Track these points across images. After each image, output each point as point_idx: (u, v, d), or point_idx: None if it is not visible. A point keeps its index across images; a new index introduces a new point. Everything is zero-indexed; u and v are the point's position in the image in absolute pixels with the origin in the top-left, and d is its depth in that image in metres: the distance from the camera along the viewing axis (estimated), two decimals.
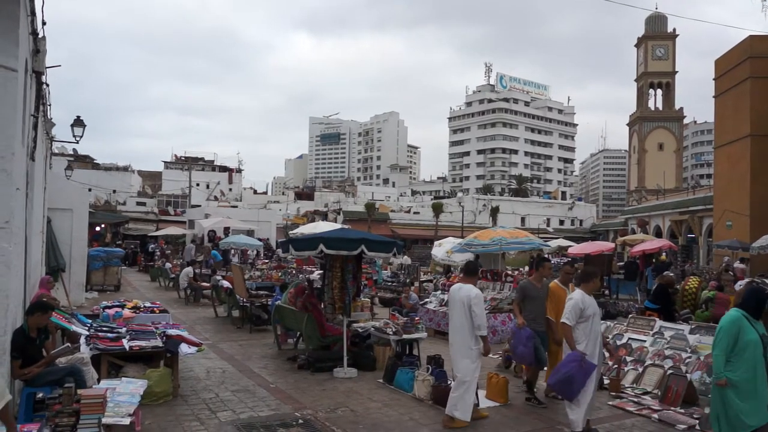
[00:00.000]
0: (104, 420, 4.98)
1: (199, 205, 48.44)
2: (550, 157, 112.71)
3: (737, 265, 18.47)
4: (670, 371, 8.08)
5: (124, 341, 7.42)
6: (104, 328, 7.89)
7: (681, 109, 75.91)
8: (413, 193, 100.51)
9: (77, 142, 15.42)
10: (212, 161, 76.56)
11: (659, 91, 76.12)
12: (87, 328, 8.06)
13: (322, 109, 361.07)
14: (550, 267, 8.64)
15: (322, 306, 9.84)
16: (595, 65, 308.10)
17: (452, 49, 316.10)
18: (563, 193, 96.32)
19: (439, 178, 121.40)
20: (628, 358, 9.22)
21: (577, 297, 6.44)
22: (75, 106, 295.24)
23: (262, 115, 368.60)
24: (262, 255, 28.19)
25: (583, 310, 6.31)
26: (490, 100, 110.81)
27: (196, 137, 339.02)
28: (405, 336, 9.51)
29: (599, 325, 6.69)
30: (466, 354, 6.59)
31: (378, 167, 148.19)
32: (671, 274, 14.62)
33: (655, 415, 7.06)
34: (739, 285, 13.52)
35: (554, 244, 28.58)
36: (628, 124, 79.46)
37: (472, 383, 6.57)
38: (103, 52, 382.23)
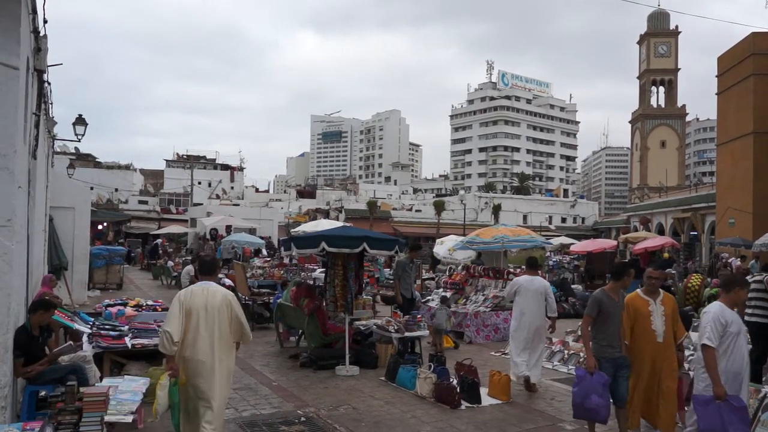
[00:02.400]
0: (107, 418, 4.98)
1: (201, 204, 48.54)
2: (552, 155, 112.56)
3: (737, 262, 18.33)
4: None
5: (127, 339, 7.44)
6: (107, 326, 7.90)
7: (683, 106, 75.77)
8: (415, 191, 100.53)
9: (79, 141, 15.42)
10: (214, 159, 76.63)
11: (662, 89, 75.97)
12: (89, 326, 8.07)
13: (326, 107, 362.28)
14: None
15: (324, 304, 9.84)
16: (599, 62, 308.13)
17: (458, 47, 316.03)
18: (565, 190, 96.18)
19: (441, 176, 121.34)
20: None
21: (715, 309, 5.09)
22: (81, 105, 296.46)
23: (267, 113, 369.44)
24: (263, 252, 28.18)
25: (726, 326, 4.97)
26: (492, 98, 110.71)
27: (200, 136, 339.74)
28: (407, 334, 9.51)
29: (745, 348, 5.18)
30: (540, 332, 8.21)
31: (380, 165, 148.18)
32: (672, 271, 14.60)
33: None
34: None
35: (556, 241, 28.63)
36: (630, 122, 79.34)
37: (542, 354, 8.44)
38: (110, 52, 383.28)
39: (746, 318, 8.26)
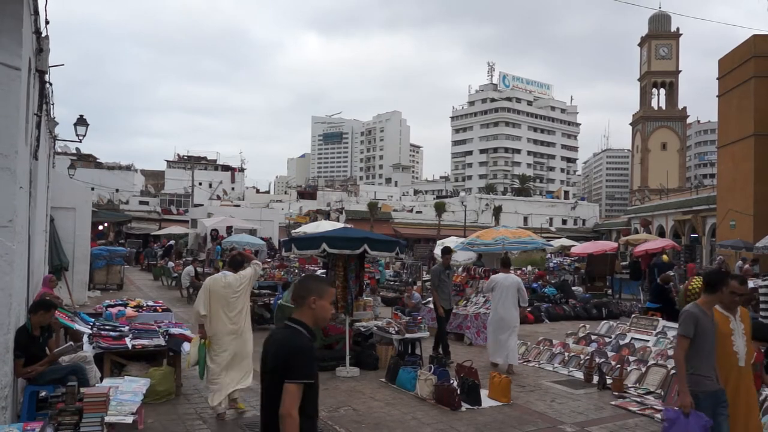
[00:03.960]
0: (107, 418, 4.98)
1: (202, 204, 48.50)
2: (552, 157, 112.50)
3: (746, 266, 18.05)
4: (673, 371, 8.05)
5: (127, 340, 7.43)
6: (107, 327, 7.90)
7: (684, 108, 75.75)
8: (416, 192, 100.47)
9: (80, 141, 15.40)
10: (215, 160, 76.63)
11: (662, 91, 75.96)
12: (90, 326, 8.07)
13: (329, 108, 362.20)
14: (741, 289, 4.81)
15: None
16: (600, 65, 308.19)
17: (460, 49, 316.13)
18: (566, 192, 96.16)
19: (441, 177, 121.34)
20: (631, 358, 9.20)
21: None
22: (84, 106, 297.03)
23: (269, 114, 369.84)
24: (265, 254, 28.17)
25: None
26: (492, 100, 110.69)
27: (201, 136, 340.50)
28: (407, 335, 9.51)
29: None
30: (513, 322, 9.37)
31: (380, 166, 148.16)
32: (671, 273, 14.55)
33: (658, 415, 7.03)
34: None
35: (557, 243, 28.59)
36: (631, 124, 79.31)
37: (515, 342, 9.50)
38: (113, 53, 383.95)
39: (762, 320, 8.22)
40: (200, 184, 60.53)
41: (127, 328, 8.01)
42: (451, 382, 7.66)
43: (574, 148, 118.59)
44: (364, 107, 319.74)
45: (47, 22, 6.73)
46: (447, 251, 11.12)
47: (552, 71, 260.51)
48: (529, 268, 25.72)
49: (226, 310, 6.63)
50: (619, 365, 8.77)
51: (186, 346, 7.60)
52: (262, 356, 3.03)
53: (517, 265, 25.89)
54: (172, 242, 34.00)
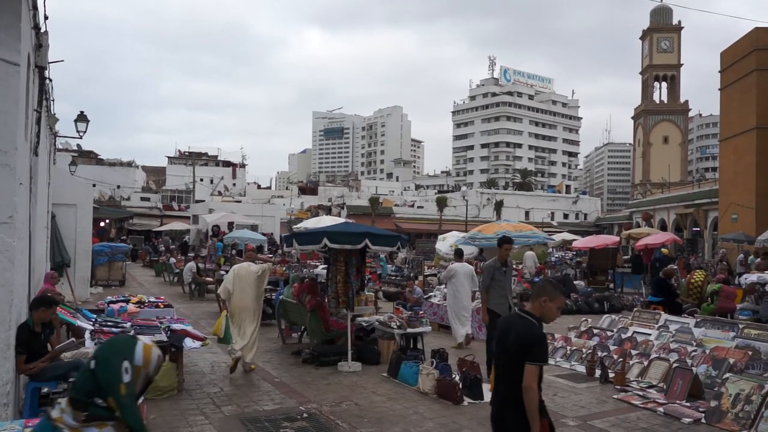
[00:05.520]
0: None
1: (203, 200, 48.55)
2: (554, 151, 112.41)
3: (758, 260, 17.86)
4: (675, 364, 8.04)
5: None
6: (109, 323, 7.90)
7: (686, 102, 75.45)
8: (417, 187, 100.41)
9: (81, 137, 15.40)
10: (216, 156, 76.66)
11: (664, 84, 75.70)
12: (92, 323, 8.07)
13: (331, 104, 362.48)
14: None
15: (326, 300, 9.84)
16: (602, 59, 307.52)
17: (463, 44, 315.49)
18: (567, 186, 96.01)
19: (443, 172, 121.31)
20: (633, 352, 9.19)
21: None
22: (87, 102, 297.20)
23: (271, 110, 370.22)
24: (265, 249, 28.18)
25: None
26: (494, 94, 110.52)
27: (203, 132, 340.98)
28: (409, 330, 9.51)
29: None
30: (468, 304, 11.17)
31: (381, 161, 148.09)
32: (674, 267, 14.51)
33: (661, 409, 7.03)
34: (746, 279, 13.46)
35: (559, 237, 28.58)
36: (632, 117, 79.07)
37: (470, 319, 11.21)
38: (116, 49, 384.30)
39: None
40: (201, 180, 60.57)
41: (129, 324, 8.01)
42: (453, 376, 7.66)
43: (576, 142, 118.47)
44: (367, 103, 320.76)
45: (46, 18, 6.70)
46: (505, 241, 8.76)
47: (554, 65, 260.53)
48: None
49: (248, 290, 8.48)
50: (621, 359, 8.76)
51: (188, 342, 7.63)
52: (500, 338, 3.68)
53: (518, 259, 25.85)
54: (186, 238, 34.24)
